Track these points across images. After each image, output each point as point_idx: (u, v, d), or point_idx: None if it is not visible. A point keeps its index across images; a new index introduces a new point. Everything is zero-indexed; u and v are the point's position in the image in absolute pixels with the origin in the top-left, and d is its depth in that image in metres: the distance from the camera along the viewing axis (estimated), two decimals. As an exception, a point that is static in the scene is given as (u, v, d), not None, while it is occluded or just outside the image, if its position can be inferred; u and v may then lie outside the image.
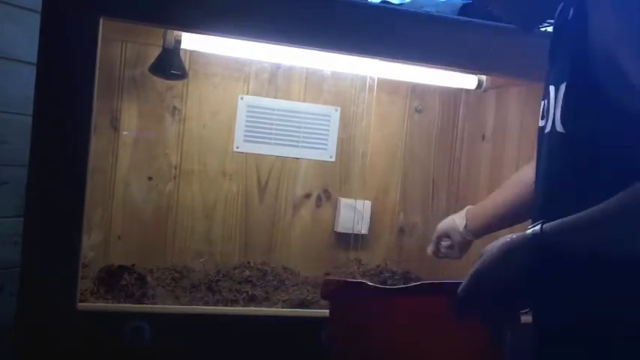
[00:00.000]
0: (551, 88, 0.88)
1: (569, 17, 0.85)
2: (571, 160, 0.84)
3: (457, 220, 1.41)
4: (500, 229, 1.37)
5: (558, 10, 0.92)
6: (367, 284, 0.99)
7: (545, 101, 0.91)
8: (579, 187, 0.82)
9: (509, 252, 0.79)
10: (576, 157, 0.83)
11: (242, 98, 1.70)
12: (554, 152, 0.87)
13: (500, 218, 1.33)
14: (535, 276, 0.78)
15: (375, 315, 0.94)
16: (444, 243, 1.44)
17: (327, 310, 1.02)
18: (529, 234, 0.79)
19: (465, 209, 1.41)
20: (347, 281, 1.18)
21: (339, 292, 0.99)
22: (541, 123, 0.94)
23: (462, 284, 0.83)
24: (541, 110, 0.94)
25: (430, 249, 1.48)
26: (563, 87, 0.84)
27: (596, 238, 0.76)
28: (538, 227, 0.78)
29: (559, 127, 0.85)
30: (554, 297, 0.84)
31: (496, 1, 0.98)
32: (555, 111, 0.85)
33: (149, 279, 1.42)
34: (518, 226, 1.29)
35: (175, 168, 1.68)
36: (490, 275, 0.80)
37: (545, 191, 0.89)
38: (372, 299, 0.95)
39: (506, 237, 0.82)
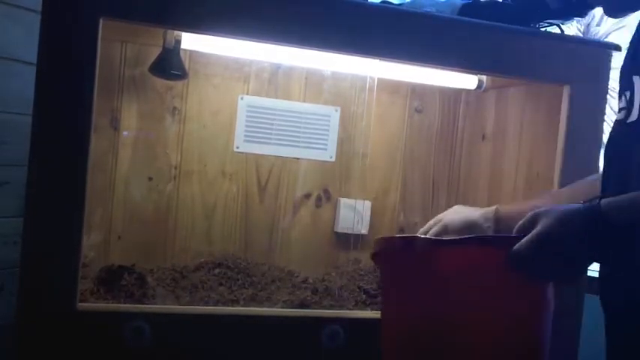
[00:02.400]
0: (636, 79, 0.89)
1: None
2: None
3: (480, 220, 1.32)
4: None
5: None
6: (419, 237, 0.98)
7: (628, 92, 0.92)
8: None
9: (569, 219, 0.81)
10: None
11: (242, 98, 1.70)
12: (636, 142, 0.89)
13: None
14: (590, 246, 0.80)
15: (430, 268, 0.92)
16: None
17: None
18: (585, 205, 0.81)
19: (493, 209, 1.31)
20: (398, 237, 1.18)
21: (390, 249, 0.99)
22: (619, 116, 0.95)
23: (523, 241, 0.83)
24: (621, 103, 0.95)
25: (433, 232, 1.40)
26: None
27: None
28: (596, 200, 0.80)
29: None
30: (608, 269, 0.87)
31: None
32: None
33: (149, 279, 1.42)
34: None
35: (175, 168, 1.68)
36: (552, 237, 0.82)
37: (630, 180, 0.90)
38: (426, 252, 0.93)
39: (561, 206, 0.84)
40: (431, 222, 1.37)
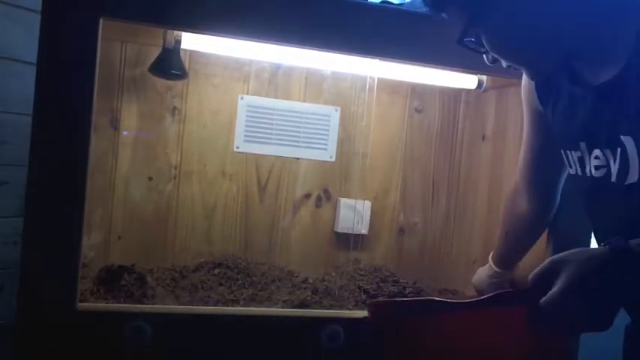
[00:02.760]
0: (626, 139, 0.88)
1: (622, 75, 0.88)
2: None
3: (493, 279, 1.42)
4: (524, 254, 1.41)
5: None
6: (434, 300, 0.92)
7: (607, 152, 0.92)
8: None
9: (597, 264, 0.78)
10: None
11: (242, 98, 1.70)
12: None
13: (512, 252, 1.40)
14: (615, 287, 0.78)
15: (446, 335, 0.87)
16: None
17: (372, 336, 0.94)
18: (611, 247, 0.79)
19: (489, 259, 1.44)
20: (398, 301, 1.07)
21: (391, 316, 0.92)
22: (598, 174, 0.94)
23: (550, 295, 0.79)
24: (597, 161, 0.95)
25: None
26: None
27: None
28: (621, 241, 0.78)
29: None
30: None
31: (507, 53, 0.96)
32: None
33: (149, 279, 1.42)
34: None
35: (175, 168, 1.68)
36: (581, 287, 0.78)
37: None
38: (439, 318, 0.88)
39: (580, 249, 0.81)
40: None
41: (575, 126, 0.98)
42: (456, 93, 1.89)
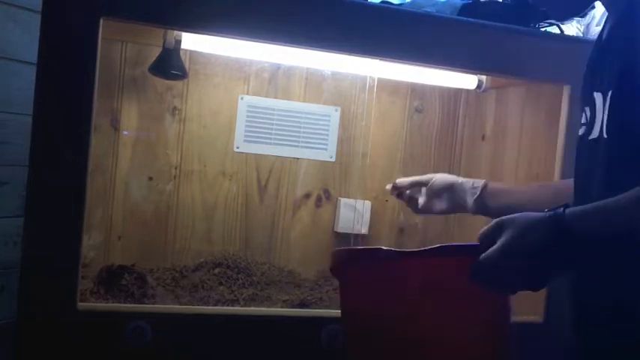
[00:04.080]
0: (597, 95, 0.91)
1: (614, 27, 0.91)
2: (615, 166, 0.87)
3: (468, 187, 1.33)
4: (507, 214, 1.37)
5: (604, 19, 0.96)
6: (382, 249, 0.94)
7: (588, 109, 0.94)
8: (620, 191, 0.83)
9: (533, 228, 0.81)
10: (619, 162, 0.86)
11: (242, 98, 1.70)
12: (598, 158, 0.90)
13: (518, 208, 1.32)
14: (553, 255, 0.80)
15: (395, 280, 0.91)
16: (429, 194, 1.38)
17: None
18: (550, 214, 0.81)
19: (482, 182, 1.33)
20: (359, 249, 1.11)
21: (351, 262, 0.97)
22: (580, 131, 0.97)
23: (487, 253, 0.83)
24: (582, 119, 0.97)
25: (408, 182, 1.42)
26: (608, 94, 0.88)
27: (611, 226, 0.77)
28: (560, 210, 0.80)
29: (605, 134, 0.88)
30: (570, 277, 0.87)
31: None
32: (604, 118, 0.89)
33: (149, 279, 1.42)
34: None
35: (175, 168, 1.68)
36: (516, 248, 0.81)
37: (587, 197, 0.90)
38: (389, 264, 0.92)
39: (526, 214, 0.83)
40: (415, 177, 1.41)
41: (583, 86, 1.00)
42: (456, 93, 1.89)
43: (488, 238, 0.84)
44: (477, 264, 0.83)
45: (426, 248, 0.91)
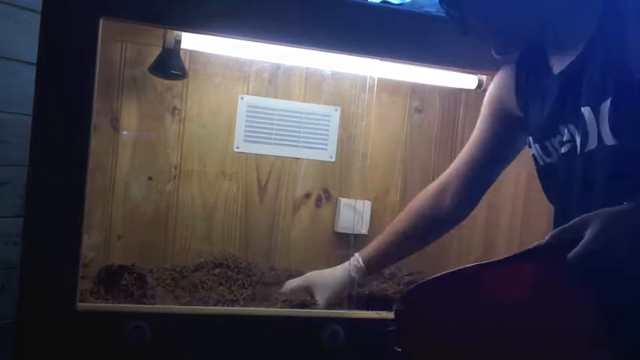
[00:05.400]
0: (585, 109, 0.95)
1: (590, 46, 0.97)
2: (630, 167, 0.90)
3: (338, 274, 1.42)
4: (393, 263, 1.52)
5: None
6: (464, 268, 0.89)
7: (572, 126, 0.99)
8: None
9: (622, 219, 0.82)
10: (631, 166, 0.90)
11: (242, 98, 1.70)
12: (599, 167, 0.93)
13: (401, 257, 1.46)
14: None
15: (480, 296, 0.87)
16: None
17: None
18: (631, 207, 0.82)
19: (353, 259, 1.41)
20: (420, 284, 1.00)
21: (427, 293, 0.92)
22: (564, 149, 1.01)
23: (577, 251, 0.81)
24: (562, 137, 1.01)
25: (296, 286, 1.44)
26: (605, 104, 0.91)
27: None
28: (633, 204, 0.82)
29: (609, 141, 0.91)
30: None
31: (481, 22, 1.06)
32: (601, 128, 0.93)
33: (149, 279, 1.42)
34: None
35: (175, 168, 1.68)
36: (611, 243, 0.81)
37: (596, 204, 0.90)
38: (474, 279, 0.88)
39: (611, 208, 0.83)
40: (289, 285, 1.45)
41: (551, 112, 1.05)
42: (456, 93, 1.89)
43: (570, 234, 0.83)
44: (577, 252, 0.80)
45: (512, 255, 0.87)
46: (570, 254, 0.81)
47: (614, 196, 0.88)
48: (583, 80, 0.98)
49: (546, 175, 1.10)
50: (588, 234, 0.81)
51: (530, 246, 0.87)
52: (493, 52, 1.08)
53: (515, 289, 0.86)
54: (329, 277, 1.43)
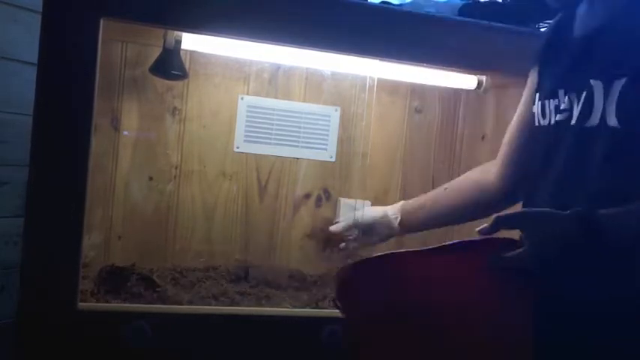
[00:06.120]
0: (596, 83, 0.90)
1: (616, 16, 0.92)
2: (628, 154, 0.88)
3: (389, 213, 1.41)
4: (433, 228, 1.43)
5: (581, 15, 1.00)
6: (391, 254, 0.92)
7: (573, 95, 0.94)
8: (633, 181, 0.85)
9: (563, 228, 0.83)
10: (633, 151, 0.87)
11: (242, 98, 1.70)
12: (595, 147, 0.90)
13: (437, 218, 1.35)
14: (579, 255, 0.82)
15: (410, 282, 0.90)
16: (352, 233, 1.44)
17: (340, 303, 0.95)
18: (580, 214, 0.82)
19: (400, 204, 1.41)
20: (368, 259, 1.02)
21: (363, 273, 0.93)
22: (560, 117, 0.97)
23: (518, 253, 0.84)
24: (564, 104, 0.97)
25: (341, 227, 1.47)
26: (619, 82, 0.87)
27: None
28: (588, 211, 0.82)
29: (612, 122, 0.88)
30: (591, 275, 0.87)
31: None
32: (607, 106, 0.88)
33: (154, 278, 1.42)
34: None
35: (176, 168, 1.68)
36: (547, 249, 0.83)
37: (578, 184, 0.91)
38: (402, 266, 0.90)
39: (551, 212, 0.85)
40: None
41: (557, 74, 1.01)
42: (456, 93, 1.88)
43: (508, 225, 0.86)
44: (505, 258, 0.84)
45: (445, 244, 0.90)
46: (511, 254, 0.84)
47: (601, 181, 0.88)
48: (601, 51, 0.93)
49: (535, 138, 1.06)
50: (526, 242, 0.83)
51: (471, 238, 0.91)
52: (552, 4, 1.04)
53: (448, 278, 0.89)
54: (384, 212, 1.42)
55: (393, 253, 0.92)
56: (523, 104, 1.20)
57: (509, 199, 1.25)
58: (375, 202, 1.83)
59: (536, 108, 1.05)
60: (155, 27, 1.35)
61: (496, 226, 0.87)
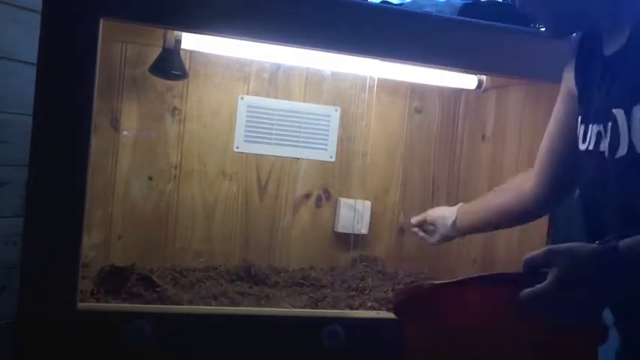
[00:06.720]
0: (618, 112, 0.89)
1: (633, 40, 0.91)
2: None
3: (447, 214, 1.45)
4: (485, 231, 1.51)
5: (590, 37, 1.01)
6: (442, 283, 0.94)
7: (600, 126, 0.94)
8: None
9: (587, 262, 0.81)
10: None
11: (242, 98, 1.70)
12: (631, 175, 0.89)
13: (488, 222, 1.38)
14: (608, 288, 0.81)
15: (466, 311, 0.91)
16: (430, 227, 1.51)
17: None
18: (603, 247, 0.81)
19: (458, 205, 1.44)
20: (423, 285, 1.07)
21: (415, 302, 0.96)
22: (596, 146, 0.95)
23: (537, 289, 0.82)
24: (597, 131, 0.96)
25: (416, 221, 1.54)
26: (638, 108, 0.86)
27: None
28: (613, 242, 0.80)
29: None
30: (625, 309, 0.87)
31: (535, 4, 1.01)
32: (632, 134, 0.87)
33: (155, 278, 1.41)
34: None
35: (175, 168, 1.68)
36: (573, 280, 0.81)
37: (622, 215, 0.90)
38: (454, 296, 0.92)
39: (576, 245, 0.83)
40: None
41: (591, 98, 1.00)
42: (456, 93, 1.89)
43: (537, 265, 0.83)
44: (531, 294, 0.82)
45: (470, 277, 0.91)
46: (523, 293, 0.82)
47: (635, 209, 0.87)
48: (619, 77, 0.92)
49: (580, 161, 1.04)
50: (551, 273, 0.81)
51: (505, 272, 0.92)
52: (547, 34, 1.05)
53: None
54: (445, 212, 1.47)
55: (443, 283, 0.94)
56: (555, 116, 1.20)
57: (545, 208, 1.30)
58: (375, 202, 1.83)
59: (579, 131, 1.04)
60: (155, 27, 1.35)
61: (527, 269, 0.85)
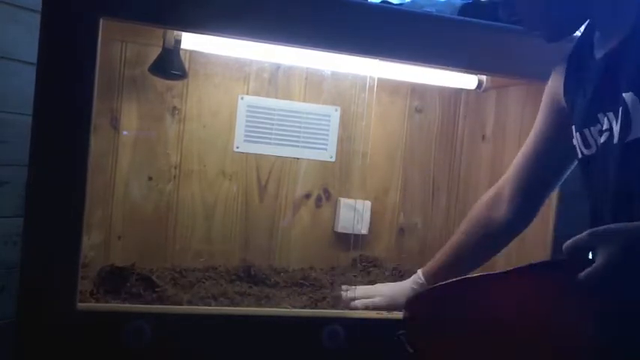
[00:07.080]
0: (628, 95, 0.89)
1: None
2: None
3: (411, 286, 1.37)
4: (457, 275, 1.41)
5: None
6: (466, 278, 0.92)
7: (611, 113, 0.93)
8: None
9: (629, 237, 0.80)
10: None
11: (242, 98, 1.70)
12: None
13: (462, 270, 1.30)
14: None
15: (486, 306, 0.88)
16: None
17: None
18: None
19: (419, 272, 1.38)
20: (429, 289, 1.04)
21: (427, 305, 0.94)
22: (602, 138, 0.96)
23: (592, 270, 0.80)
24: (602, 125, 0.96)
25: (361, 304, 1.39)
26: None
27: None
28: None
29: None
30: None
31: (529, 9, 1.02)
32: None
33: (155, 279, 1.41)
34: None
35: (175, 168, 1.68)
36: (630, 256, 0.79)
37: (637, 203, 0.89)
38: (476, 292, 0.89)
39: (622, 225, 0.82)
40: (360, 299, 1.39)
41: (590, 99, 1.00)
42: (456, 93, 1.89)
43: (581, 249, 0.82)
44: (591, 275, 0.79)
45: (515, 268, 0.87)
46: (582, 275, 0.80)
47: None
48: (626, 65, 0.93)
49: (584, 169, 1.04)
50: (601, 257, 0.79)
51: (539, 260, 0.90)
52: (543, 38, 1.04)
53: (519, 301, 0.86)
54: (395, 287, 1.40)
55: (468, 277, 0.92)
56: (537, 123, 1.21)
57: (520, 226, 1.29)
58: (375, 202, 1.83)
59: (576, 140, 1.04)
60: (155, 27, 1.35)
61: (571, 253, 0.83)
